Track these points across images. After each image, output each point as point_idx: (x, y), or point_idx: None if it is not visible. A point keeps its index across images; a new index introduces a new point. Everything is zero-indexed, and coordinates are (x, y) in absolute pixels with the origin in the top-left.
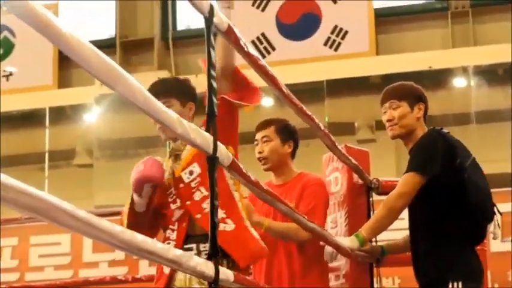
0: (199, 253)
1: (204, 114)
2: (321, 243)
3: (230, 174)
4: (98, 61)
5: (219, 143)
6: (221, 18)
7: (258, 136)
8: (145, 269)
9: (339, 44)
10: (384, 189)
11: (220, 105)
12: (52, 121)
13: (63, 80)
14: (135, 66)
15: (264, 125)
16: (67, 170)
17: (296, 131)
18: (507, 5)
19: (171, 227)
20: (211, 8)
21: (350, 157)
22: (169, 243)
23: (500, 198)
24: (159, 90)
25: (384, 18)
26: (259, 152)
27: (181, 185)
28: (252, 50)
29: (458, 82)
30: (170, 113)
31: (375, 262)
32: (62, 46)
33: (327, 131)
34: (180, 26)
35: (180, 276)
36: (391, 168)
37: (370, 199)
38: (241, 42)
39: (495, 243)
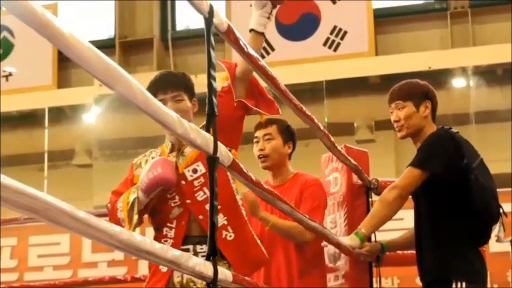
0: (196, 254)
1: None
2: (322, 244)
3: (231, 174)
4: (98, 61)
5: (219, 143)
6: (221, 18)
7: (259, 134)
8: (145, 269)
9: (338, 44)
10: (383, 189)
11: (236, 108)
12: (51, 121)
13: (63, 80)
14: (135, 67)
15: (266, 123)
16: (66, 170)
17: (295, 132)
18: (506, 5)
19: (168, 224)
20: (211, 8)
21: (349, 157)
22: (166, 241)
23: (500, 199)
24: (169, 81)
25: (383, 19)
26: (261, 150)
27: (183, 182)
28: (252, 51)
29: (458, 82)
30: (170, 113)
31: (375, 260)
32: (61, 46)
33: (326, 131)
34: (180, 27)
35: (176, 279)
36: (391, 169)
37: (370, 199)
38: (241, 43)
39: (495, 244)
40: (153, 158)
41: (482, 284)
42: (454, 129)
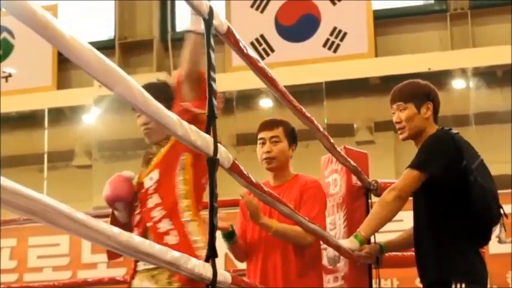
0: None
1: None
2: (322, 247)
3: (231, 176)
4: (98, 63)
5: (219, 145)
6: (220, 20)
7: (265, 135)
8: None
9: (338, 45)
10: (383, 191)
11: (180, 113)
12: (51, 122)
13: (62, 81)
14: (134, 68)
15: (272, 125)
16: (66, 171)
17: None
18: (506, 7)
19: (133, 232)
20: (211, 9)
21: (349, 159)
22: None
23: (500, 200)
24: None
25: (383, 20)
26: (267, 152)
27: (142, 191)
28: (252, 52)
29: (458, 84)
30: (170, 115)
31: (374, 262)
32: (61, 48)
33: (325, 133)
34: (179, 28)
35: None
36: (390, 170)
37: (369, 201)
38: (241, 45)
39: (494, 245)
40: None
41: (483, 285)
42: (454, 130)
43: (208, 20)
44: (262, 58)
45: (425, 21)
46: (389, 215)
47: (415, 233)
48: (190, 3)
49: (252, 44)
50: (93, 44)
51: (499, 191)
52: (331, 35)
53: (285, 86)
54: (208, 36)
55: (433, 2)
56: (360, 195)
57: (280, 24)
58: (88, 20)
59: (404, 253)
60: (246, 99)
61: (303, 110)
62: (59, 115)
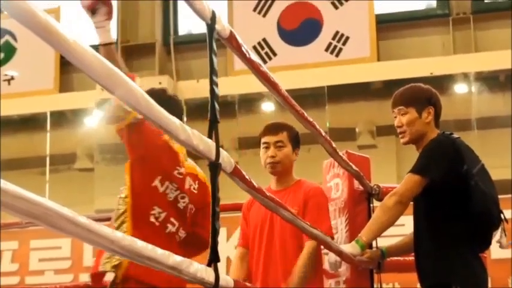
0: None
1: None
2: (323, 252)
3: (233, 180)
4: (101, 67)
5: (221, 150)
6: (223, 24)
7: (270, 140)
8: None
9: (340, 49)
10: (385, 195)
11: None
12: (53, 125)
13: (65, 85)
14: (136, 71)
15: (277, 129)
16: (68, 174)
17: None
18: (508, 12)
19: None
20: (213, 14)
21: (351, 163)
22: None
23: (501, 205)
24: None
25: (385, 24)
26: (272, 156)
27: None
28: (254, 57)
29: (460, 88)
30: (172, 119)
31: (376, 267)
32: (63, 52)
33: (327, 137)
34: (182, 31)
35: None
36: (392, 174)
37: (371, 205)
38: (243, 49)
39: (496, 250)
40: None
41: None
42: (455, 135)
43: (211, 25)
44: (265, 62)
45: (428, 25)
46: (390, 219)
47: (414, 237)
48: (193, 8)
49: (254, 47)
50: (95, 47)
51: (499, 196)
52: (333, 39)
53: (287, 90)
54: (211, 40)
55: (435, 6)
56: (362, 200)
57: (282, 28)
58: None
59: (406, 258)
60: (248, 103)
61: (305, 114)
62: (61, 118)
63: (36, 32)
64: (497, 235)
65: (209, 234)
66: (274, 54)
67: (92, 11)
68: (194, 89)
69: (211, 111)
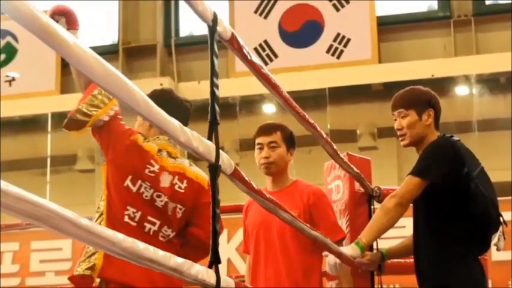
0: None
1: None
2: (323, 253)
3: (233, 182)
4: (100, 69)
5: (221, 151)
6: (224, 26)
7: (263, 140)
8: None
9: (342, 51)
10: (385, 197)
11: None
12: (54, 126)
13: (66, 86)
14: (138, 73)
15: (270, 130)
16: (69, 175)
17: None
18: (509, 14)
19: None
20: (215, 16)
21: (352, 165)
22: None
23: (500, 208)
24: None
25: (387, 26)
26: (266, 157)
27: None
28: (255, 58)
29: (461, 90)
30: (172, 121)
31: (376, 269)
32: (64, 54)
33: (328, 139)
34: (183, 33)
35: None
36: (393, 176)
37: (372, 207)
38: (245, 51)
39: (496, 252)
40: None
41: None
42: (456, 137)
43: (212, 26)
44: (266, 64)
45: (429, 27)
46: (390, 221)
47: (414, 239)
48: (194, 10)
49: (255, 49)
50: (96, 48)
51: (499, 198)
52: (334, 41)
53: (289, 92)
54: (212, 42)
55: (436, 8)
56: (363, 202)
57: (283, 30)
58: (92, 24)
59: (407, 260)
60: (249, 104)
61: (306, 116)
62: (62, 119)
63: (36, 34)
64: (495, 238)
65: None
66: (276, 56)
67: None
68: (195, 90)
69: (212, 113)
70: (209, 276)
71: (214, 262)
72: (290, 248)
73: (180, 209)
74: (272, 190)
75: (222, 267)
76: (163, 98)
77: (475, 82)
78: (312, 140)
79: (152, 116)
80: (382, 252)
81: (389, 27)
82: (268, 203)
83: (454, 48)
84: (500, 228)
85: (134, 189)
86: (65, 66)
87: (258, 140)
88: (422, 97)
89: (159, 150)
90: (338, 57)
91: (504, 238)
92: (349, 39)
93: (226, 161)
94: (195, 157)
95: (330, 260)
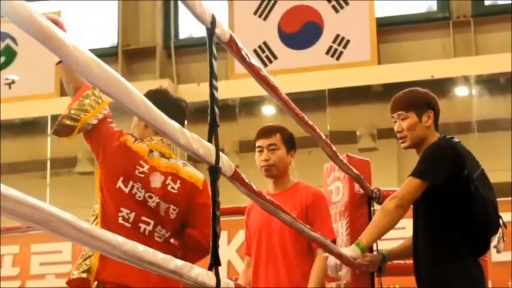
0: None
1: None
2: (324, 255)
3: (233, 184)
4: (100, 72)
5: (221, 153)
6: (223, 28)
7: (263, 143)
8: None
9: (341, 53)
10: (385, 198)
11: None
12: None
13: (65, 88)
14: (137, 75)
15: (270, 132)
16: (68, 178)
17: (295, 141)
18: (509, 15)
19: None
20: (213, 18)
21: (351, 167)
22: None
23: (501, 208)
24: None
25: (386, 28)
26: (266, 160)
27: None
28: (254, 61)
29: (460, 91)
30: (172, 123)
31: (377, 270)
32: (63, 57)
33: (328, 141)
34: (182, 35)
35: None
36: (393, 177)
37: (372, 209)
38: (243, 53)
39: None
40: None
41: None
42: (456, 139)
43: (211, 29)
44: (265, 65)
45: (428, 28)
46: (390, 223)
47: (413, 241)
48: (193, 12)
49: (255, 51)
50: (96, 51)
51: (499, 199)
52: (334, 42)
53: (288, 93)
54: (211, 45)
55: (435, 9)
56: (363, 203)
57: (283, 32)
58: (91, 27)
59: (407, 261)
60: (249, 106)
61: (305, 118)
62: None
63: (35, 36)
64: (495, 240)
65: (205, 236)
66: (275, 57)
67: None
68: (195, 92)
69: (211, 115)
70: (209, 278)
71: (214, 264)
72: (289, 250)
73: (174, 209)
74: (274, 192)
75: (222, 269)
76: (159, 99)
77: (475, 83)
78: (312, 141)
79: (152, 118)
80: (384, 254)
81: (389, 28)
82: (269, 205)
83: (453, 49)
84: (500, 231)
85: (126, 190)
86: None
87: (257, 143)
88: (421, 99)
89: (151, 151)
90: (337, 59)
91: (503, 240)
92: (348, 41)
93: (226, 163)
94: (195, 159)
95: (330, 261)
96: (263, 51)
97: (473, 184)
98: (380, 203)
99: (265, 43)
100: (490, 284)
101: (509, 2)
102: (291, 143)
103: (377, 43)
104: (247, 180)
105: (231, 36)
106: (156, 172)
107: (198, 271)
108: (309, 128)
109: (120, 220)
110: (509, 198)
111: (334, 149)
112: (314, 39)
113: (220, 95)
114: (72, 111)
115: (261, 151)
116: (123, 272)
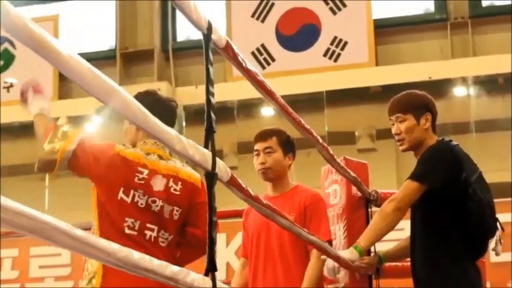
0: None
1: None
2: (322, 257)
3: (229, 189)
4: (97, 82)
5: (218, 159)
6: (219, 34)
7: (260, 147)
8: None
9: (339, 54)
10: (383, 201)
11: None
12: None
13: (64, 92)
14: (135, 78)
15: (266, 135)
16: (68, 180)
17: (294, 143)
18: (506, 16)
19: None
20: (210, 24)
21: (349, 170)
22: None
23: (500, 209)
24: None
25: (384, 29)
26: (262, 163)
27: None
28: (250, 66)
29: (458, 92)
30: (168, 130)
31: (374, 272)
32: (58, 66)
33: (325, 144)
34: (180, 38)
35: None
36: (392, 178)
37: (369, 211)
38: (239, 58)
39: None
40: None
41: None
42: (454, 142)
43: (207, 35)
44: (263, 67)
45: (426, 30)
46: (388, 226)
47: (411, 244)
48: (189, 18)
49: (252, 53)
50: (94, 54)
51: (499, 200)
52: (331, 44)
53: (286, 95)
54: (207, 50)
55: (433, 11)
56: (360, 206)
57: (280, 34)
58: (89, 30)
59: (405, 263)
60: (247, 107)
61: (302, 121)
62: None
63: (29, 46)
64: (492, 243)
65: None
66: (273, 59)
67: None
68: (193, 94)
69: (208, 121)
70: (205, 284)
71: (211, 270)
72: (288, 252)
73: (177, 211)
74: (273, 195)
75: (221, 272)
76: (149, 100)
77: (472, 84)
78: (310, 143)
79: (149, 126)
80: (380, 256)
81: (386, 30)
82: (266, 209)
83: (451, 51)
84: (497, 233)
85: (129, 200)
86: None
87: (255, 147)
88: (419, 101)
89: (147, 154)
90: (335, 61)
91: (501, 243)
92: (346, 43)
93: (223, 168)
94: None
95: (328, 263)
96: (261, 54)
97: (471, 187)
98: (378, 206)
99: (263, 45)
100: (489, 285)
101: (507, 3)
102: (288, 146)
103: (375, 45)
104: (243, 185)
105: (227, 42)
106: (157, 175)
107: (194, 277)
108: (306, 132)
109: (127, 230)
110: (509, 199)
111: (331, 152)
112: (312, 41)
113: (218, 97)
114: (48, 146)
115: (258, 154)
116: (126, 280)
